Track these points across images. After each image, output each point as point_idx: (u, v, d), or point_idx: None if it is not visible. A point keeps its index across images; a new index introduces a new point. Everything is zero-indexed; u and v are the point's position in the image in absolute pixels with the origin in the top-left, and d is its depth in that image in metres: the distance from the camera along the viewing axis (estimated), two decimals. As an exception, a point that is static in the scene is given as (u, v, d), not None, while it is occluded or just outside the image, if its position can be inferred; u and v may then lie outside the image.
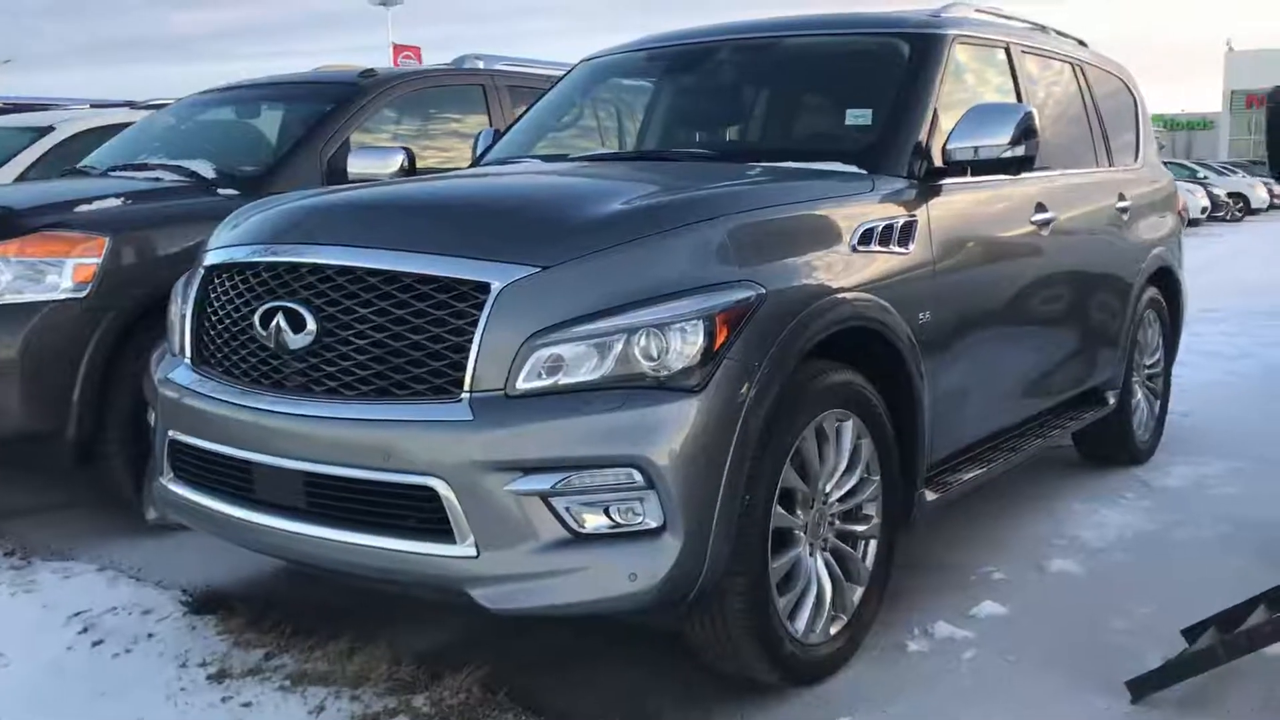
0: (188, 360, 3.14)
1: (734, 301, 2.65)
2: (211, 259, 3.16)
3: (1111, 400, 4.91)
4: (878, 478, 3.18)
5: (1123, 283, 4.90)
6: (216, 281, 3.09)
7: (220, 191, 4.70)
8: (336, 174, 4.93)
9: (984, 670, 3.09)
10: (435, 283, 2.65)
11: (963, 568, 3.85)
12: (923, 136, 3.54)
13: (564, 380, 2.57)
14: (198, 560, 4.03)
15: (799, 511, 2.93)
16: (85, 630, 3.44)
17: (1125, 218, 4.92)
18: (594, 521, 2.55)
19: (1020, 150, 3.46)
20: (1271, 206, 33.93)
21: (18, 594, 3.75)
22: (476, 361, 2.58)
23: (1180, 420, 6.05)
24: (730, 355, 2.61)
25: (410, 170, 4.71)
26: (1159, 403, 5.57)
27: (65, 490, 4.89)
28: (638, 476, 2.51)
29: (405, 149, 4.75)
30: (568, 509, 2.54)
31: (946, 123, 3.60)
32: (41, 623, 3.53)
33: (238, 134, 5.55)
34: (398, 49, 36.62)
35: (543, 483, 2.52)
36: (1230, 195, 31.23)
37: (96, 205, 4.33)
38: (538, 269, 2.61)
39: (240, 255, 3.05)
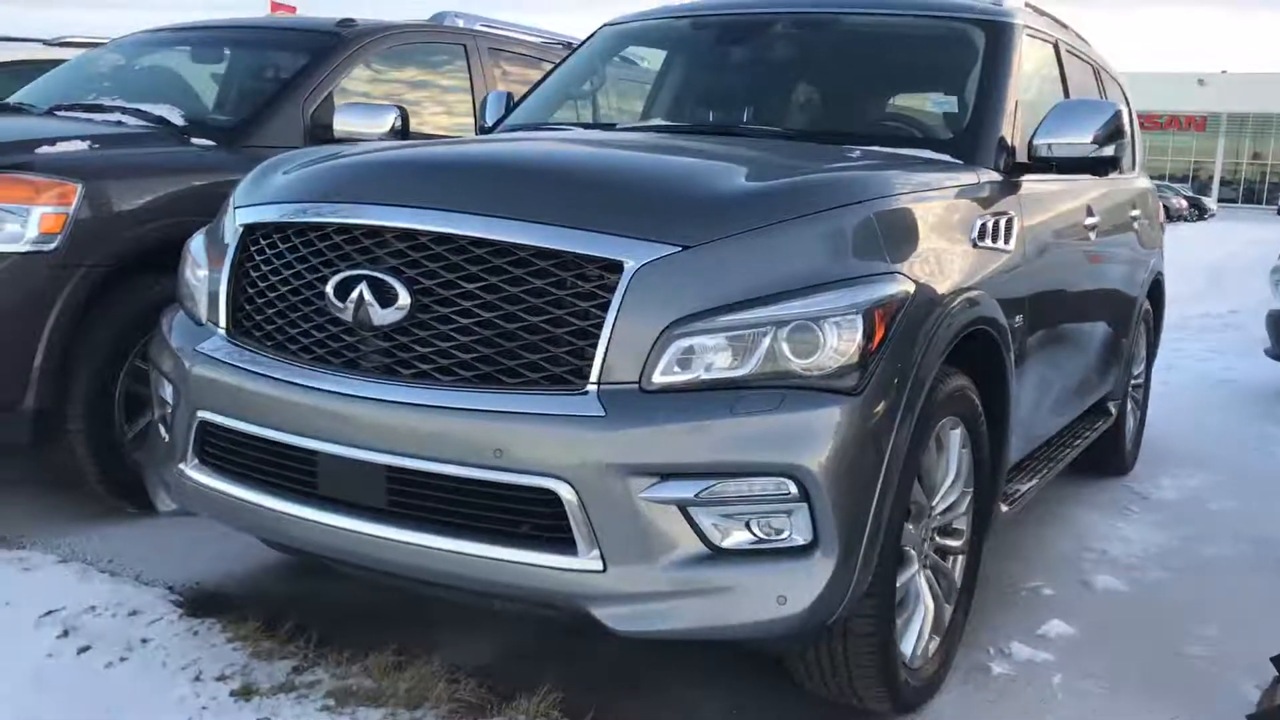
0: (222, 330, 2.72)
1: (889, 295, 2.39)
2: (249, 216, 2.75)
3: (1113, 410, 4.85)
4: (971, 490, 2.98)
5: (1132, 292, 4.85)
6: (263, 243, 2.68)
7: (194, 142, 4.21)
8: (320, 129, 4.50)
9: (1085, 698, 2.93)
10: (557, 258, 2.32)
11: (1008, 583, 3.69)
12: (1007, 129, 3.35)
13: (707, 375, 2.27)
14: (175, 552, 3.60)
15: (910, 525, 2.70)
16: (65, 634, 2.99)
17: (1137, 226, 4.87)
18: (736, 536, 2.27)
19: (1109, 150, 3.31)
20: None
21: (-31, 587, 3.26)
22: (608, 350, 2.26)
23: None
24: (887, 355, 2.36)
25: (403, 130, 4.32)
26: (1140, 412, 5.56)
27: (6, 468, 4.33)
28: (791, 488, 2.24)
29: (398, 107, 4.35)
30: (708, 521, 2.25)
31: (1020, 116, 3.43)
32: (6, 623, 3.06)
33: (201, 79, 5.02)
34: (274, 6, 35.10)
35: (683, 490, 2.23)
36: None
37: (61, 148, 3.80)
38: (678, 248, 2.31)
39: (290, 214, 2.65)
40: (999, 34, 3.58)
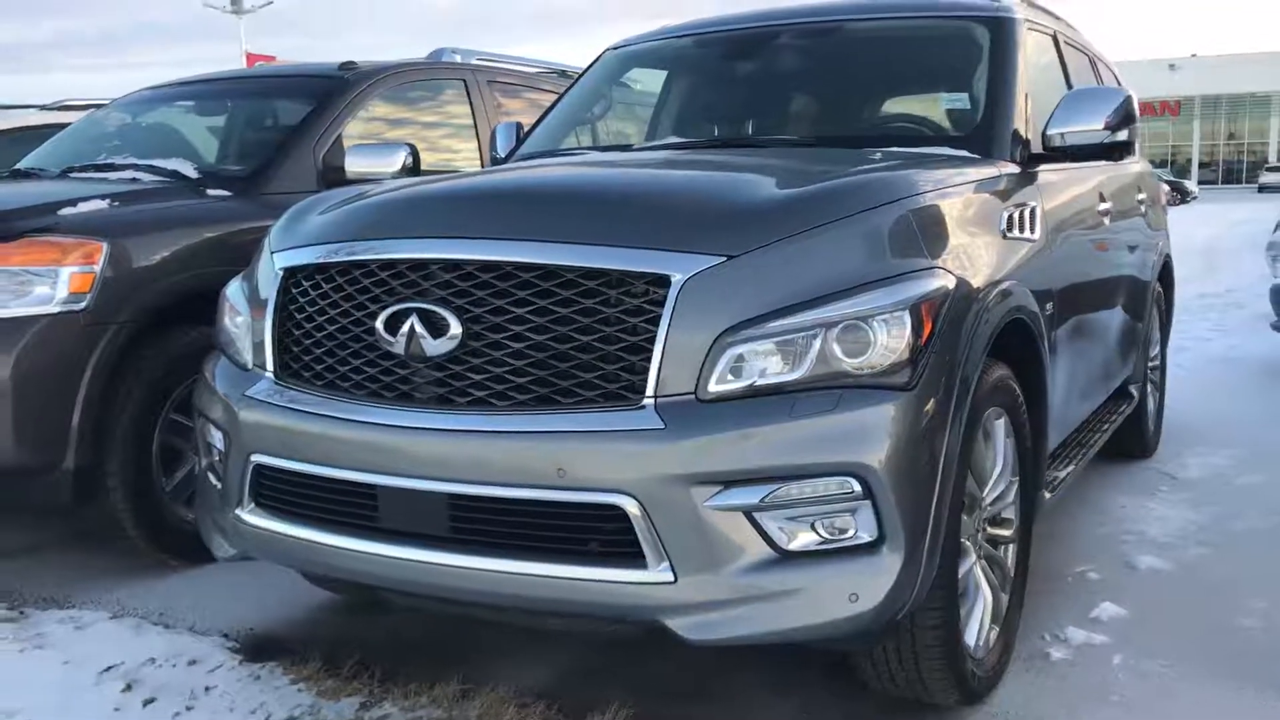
0: (270, 374, 2.75)
1: (933, 290, 2.43)
2: (288, 260, 2.78)
3: (1135, 394, 4.89)
4: (1016, 479, 3.00)
5: (1145, 276, 4.89)
6: (305, 284, 2.71)
7: (210, 193, 4.24)
8: (332, 172, 4.53)
9: (1147, 678, 2.95)
10: (604, 277, 2.35)
11: (1055, 570, 3.71)
12: (1020, 121, 3.40)
13: (761, 381, 2.30)
14: (222, 599, 3.61)
15: (964, 517, 2.73)
16: (129, 688, 3.00)
17: (1144, 209, 4.92)
18: (803, 538, 2.29)
19: (1123, 135, 3.35)
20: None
21: (27, 650, 3.26)
22: (661, 364, 2.29)
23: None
24: (936, 350, 2.39)
25: (415, 167, 4.37)
26: (1159, 394, 5.60)
27: (46, 528, 4.34)
28: (855, 486, 2.27)
29: (409, 145, 4.41)
30: (774, 525, 2.28)
31: (1030, 107, 3.48)
32: (69, 682, 3.06)
33: (208, 132, 5.06)
34: (252, 58, 35.38)
35: (749, 496, 2.25)
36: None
37: (82, 208, 3.83)
38: (723, 258, 2.34)
39: (330, 255, 2.68)
40: (1002, 29, 3.63)
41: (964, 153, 3.23)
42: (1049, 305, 3.17)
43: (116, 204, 3.94)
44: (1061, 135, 3.35)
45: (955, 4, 3.83)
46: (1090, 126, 3.34)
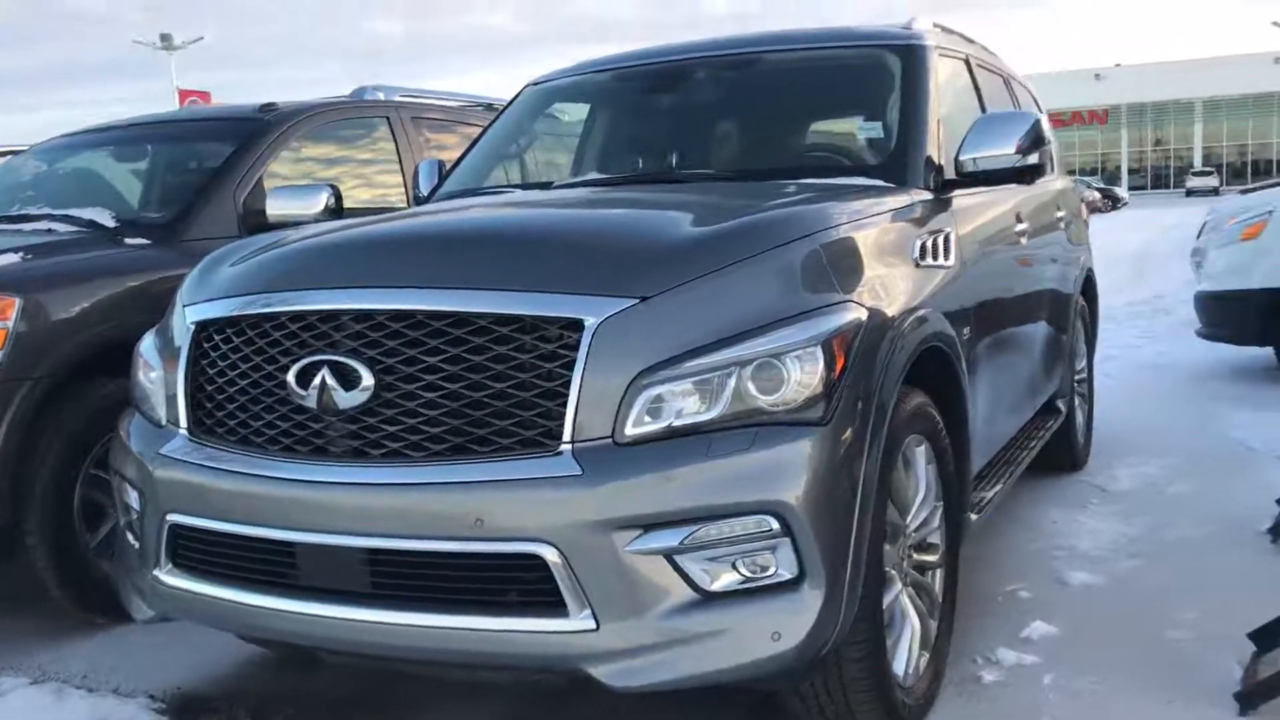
0: (184, 430, 2.70)
1: (845, 324, 2.44)
2: (199, 314, 2.74)
3: (1062, 408, 4.95)
4: (940, 504, 3.03)
5: (1067, 290, 4.97)
6: (216, 339, 2.67)
7: (128, 242, 4.17)
8: (254, 216, 4.48)
9: (1079, 695, 2.97)
10: (516, 323, 2.34)
11: (985, 590, 3.74)
12: (932, 148, 3.45)
13: (678, 422, 2.30)
14: (149, 659, 3.53)
15: (887, 546, 2.74)
16: (50, 758, 2.92)
17: (1063, 226, 5.00)
18: (724, 578, 2.29)
19: (1033, 159, 3.41)
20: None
21: (-58, 722, 3.17)
22: (577, 409, 2.29)
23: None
24: (849, 383, 2.40)
25: (337, 209, 4.33)
26: (1087, 406, 5.68)
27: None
28: (773, 524, 2.27)
29: (331, 186, 4.37)
30: (696, 566, 2.27)
31: (943, 133, 3.53)
32: (-13, 754, 2.98)
33: (127, 178, 4.98)
34: (184, 94, 35.02)
35: (669, 539, 2.25)
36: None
37: (-8, 261, 3.76)
38: (636, 300, 2.34)
39: (241, 308, 2.64)
40: (913, 57, 3.68)
41: (879, 182, 3.27)
42: (966, 329, 3.20)
43: (30, 257, 3.87)
44: (974, 160, 3.40)
45: (868, 33, 3.88)
46: (1001, 151, 3.39)
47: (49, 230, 4.27)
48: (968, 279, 3.32)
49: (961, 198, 3.50)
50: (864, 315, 2.52)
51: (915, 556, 2.92)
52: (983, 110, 4.17)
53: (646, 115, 4.06)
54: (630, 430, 2.29)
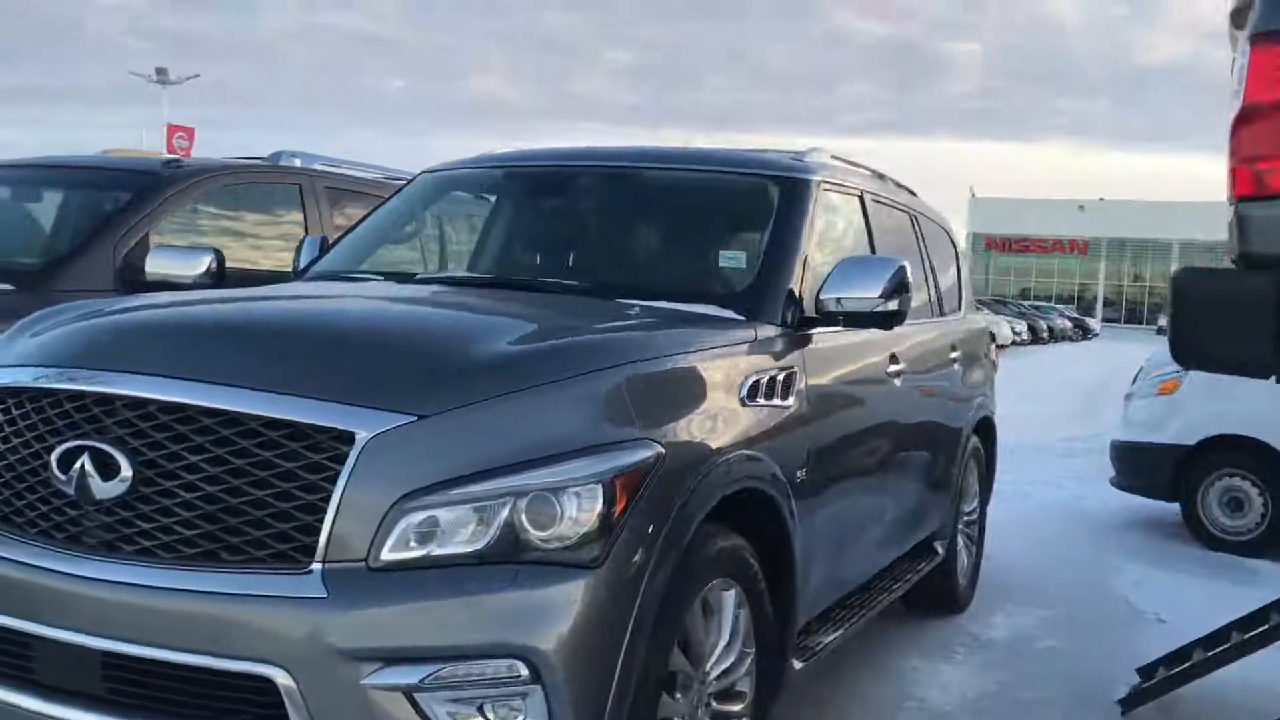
0: (-47, 502, 2.57)
1: (634, 463, 2.36)
2: (-8, 380, 2.63)
3: (940, 550, 4.87)
4: (752, 650, 2.92)
5: (954, 431, 4.92)
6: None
7: (-10, 285, 4.07)
8: (132, 272, 4.40)
9: None
10: (287, 428, 2.25)
11: (817, 738, 3.62)
12: (795, 284, 3.40)
13: (438, 551, 2.20)
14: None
15: (678, 695, 2.63)
16: None
17: (957, 367, 4.97)
18: (467, 722, 2.17)
19: (893, 305, 3.36)
20: (1013, 343, 36.63)
21: None
22: (334, 525, 2.19)
23: (983, 564, 6.12)
24: (629, 525, 2.31)
25: (219, 273, 4.24)
26: (975, 549, 5.60)
27: None
28: (523, 670, 2.16)
29: (214, 250, 4.27)
30: (436, 707, 2.16)
31: (813, 269, 3.49)
32: None
33: (12, 219, 4.90)
34: (172, 129, 35.08)
35: (409, 675, 2.14)
36: (980, 331, 33.40)
37: None
38: (413, 418, 2.25)
39: (30, 378, 2.54)
40: (792, 189, 3.66)
41: (729, 313, 3.21)
42: (802, 471, 3.12)
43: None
44: (835, 301, 3.35)
45: (755, 160, 3.86)
46: (864, 294, 3.34)
47: (-90, 268, 4.17)
48: (813, 419, 3.25)
49: (823, 336, 3.45)
50: (661, 453, 2.43)
51: (715, 706, 2.80)
52: (872, 249, 4.14)
53: (526, 217, 4.02)
54: (386, 555, 2.19)
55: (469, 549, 2.21)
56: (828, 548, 3.41)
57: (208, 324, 2.73)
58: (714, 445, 2.66)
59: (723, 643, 2.78)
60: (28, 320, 2.89)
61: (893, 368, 4.02)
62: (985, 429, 5.52)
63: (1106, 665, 4.49)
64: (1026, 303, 52.09)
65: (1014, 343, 36.67)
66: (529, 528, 2.23)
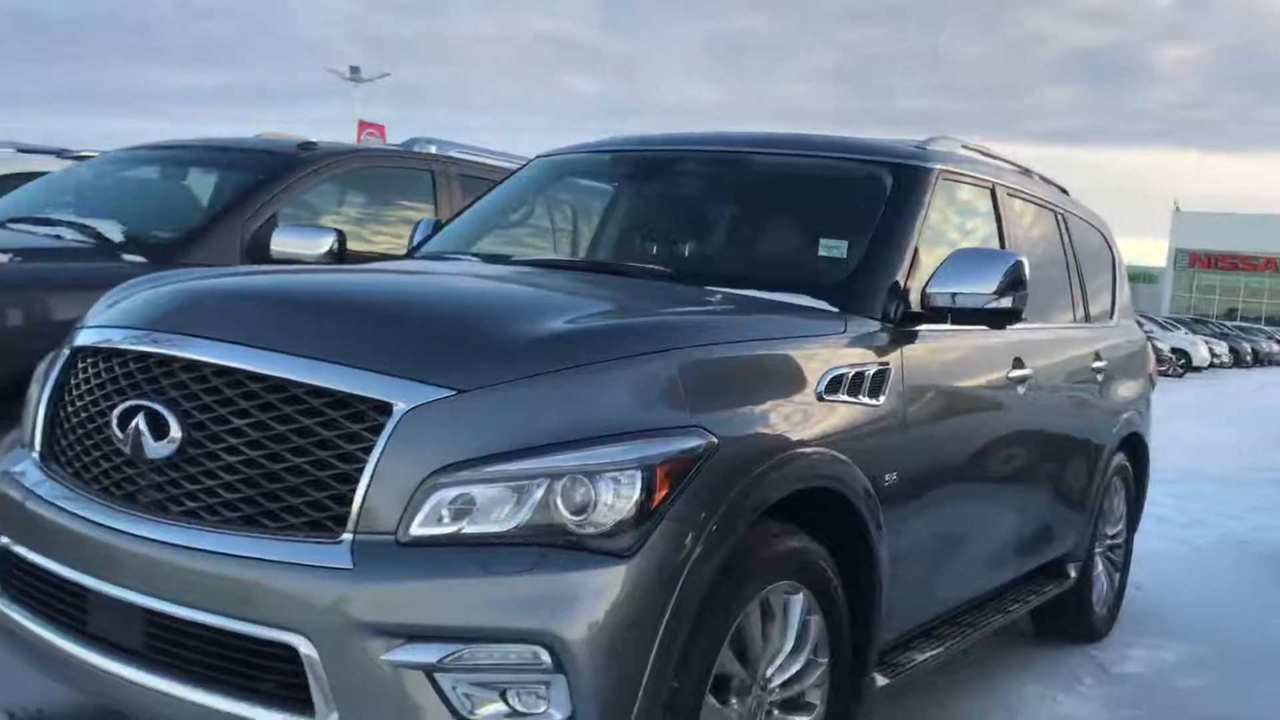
0: (36, 455, 2.66)
1: (679, 451, 2.24)
2: (81, 339, 2.71)
3: (1073, 574, 4.55)
4: (826, 660, 2.75)
5: (1094, 448, 4.58)
6: (82, 366, 2.63)
7: (125, 257, 4.24)
8: (259, 249, 4.50)
9: None
10: (328, 396, 2.22)
11: (908, 760, 3.41)
12: (901, 276, 3.20)
13: (469, 529, 2.13)
14: (18, 676, 3.46)
15: (733, 700, 2.48)
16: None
17: (1100, 378, 4.63)
18: (488, 708, 2.09)
19: (1007, 302, 3.13)
20: (1212, 365, 34.54)
21: None
22: (366, 496, 2.14)
23: (1133, 593, 5.70)
24: (670, 515, 2.19)
25: (340, 254, 4.30)
26: (1119, 575, 5.22)
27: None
28: (545, 657, 2.07)
29: (337, 231, 4.33)
30: (456, 689, 2.08)
31: (926, 262, 3.28)
32: None
33: (158, 196, 5.11)
34: (362, 125, 36.49)
35: (429, 654, 2.07)
36: (1174, 351, 31.67)
37: (-22, 261, 3.86)
38: (452, 392, 2.19)
39: (113, 339, 2.60)
40: (907, 177, 3.46)
41: (821, 304, 3.04)
42: (891, 476, 2.93)
43: (16, 259, 3.96)
44: (950, 296, 3.15)
45: (871, 147, 3.67)
46: (977, 289, 3.13)
47: (57, 236, 4.38)
48: (911, 421, 3.05)
49: (933, 335, 3.24)
50: (714, 442, 2.30)
51: (778, 715, 2.65)
52: (1002, 246, 3.89)
53: (627, 202, 3.93)
54: (416, 530, 2.13)
55: (500, 529, 2.13)
56: (924, 559, 3.20)
57: (267, 294, 2.74)
58: (779, 439, 2.51)
59: (786, 649, 2.62)
60: (119, 287, 2.96)
61: (1016, 373, 3.75)
62: (1134, 448, 5.13)
63: (1253, 713, 4.09)
64: (1231, 323, 49.00)
65: (1212, 365, 34.59)
66: (563, 511, 2.14)
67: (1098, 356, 4.63)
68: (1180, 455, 11.72)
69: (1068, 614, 4.75)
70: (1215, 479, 10.31)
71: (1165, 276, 67.27)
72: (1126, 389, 5.00)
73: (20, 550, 2.55)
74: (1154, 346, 24.45)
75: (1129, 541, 5.34)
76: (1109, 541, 5.07)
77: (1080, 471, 4.46)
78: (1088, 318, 4.77)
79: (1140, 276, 70.59)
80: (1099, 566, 4.93)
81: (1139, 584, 5.89)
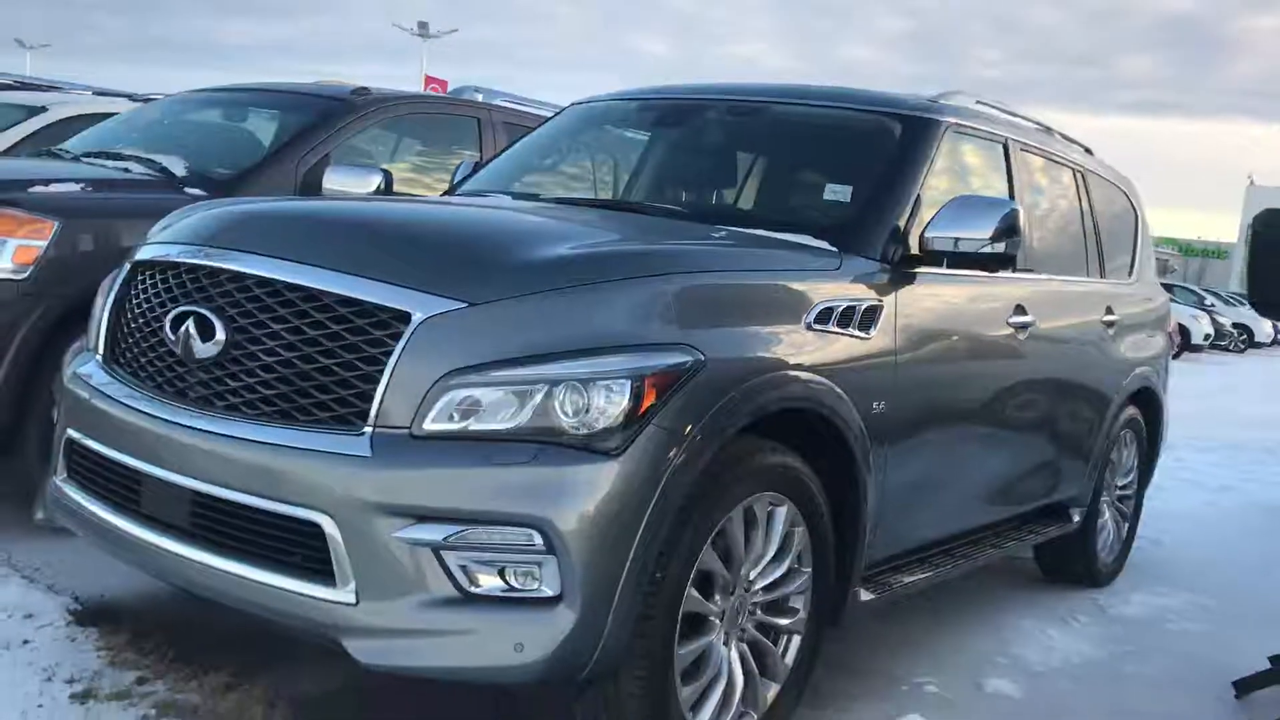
0: (100, 357, 2.97)
1: (667, 365, 2.48)
2: (141, 254, 3.02)
3: (1076, 518, 4.73)
4: (809, 570, 2.99)
5: (1101, 398, 4.74)
6: (141, 278, 2.93)
7: (187, 190, 4.55)
8: (311, 188, 4.80)
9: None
10: (355, 306, 2.49)
11: (895, 676, 3.64)
12: (901, 221, 3.40)
13: (475, 426, 2.40)
14: (97, 566, 3.81)
15: (717, 597, 2.74)
16: (-44, 628, 3.24)
17: (1111, 332, 4.77)
18: (488, 582, 2.37)
19: (1000, 247, 3.32)
20: (1275, 341, 33.97)
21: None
22: (385, 394, 2.41)
23: (1150, 547, 5.87)
24: (656, 421, 2.44)
25: (387, 193, 4.58)
26: (1127, 525, 5.38)
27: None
28: (538, 539, 2.34)
29: (384, 171, 4.61)
30: (460, 565, 2.36)
31: (930, 212, 3.47)
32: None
33: (219, 135, 5.42)
34: (428, 80, 36.96)
35: (435, 533, 2.35)
36: (1235, 326, 31.20)
37: (54, 188, 4.19)
38: (464, 304, 2.45)
39: (169, 254, 2.90)
40: (915, 128, 3.64)
41: (821, 243, 3.25)
42: (879, 405, 3.14)
43: (88, 189, 4.28)
44: (948, 240, 3.34)
45: (884, 99, 3.85)
46: (971, 233, 3.32)
47: (125, 169, 4.69)
48: (902, 354, 3.25)
49: (932, 277, 3.43)
50: (701, 359, 2.54)
51: (762, 615, 2.90)
52: (1011, 198, 4.05)
53: (652, 147, 4.16)
54: (428, 425, 2.40)
55: (503, 427, 2.39)
56: (911, 486, 3.41)
57: (305, 217, 3.01)
58: (765, 361, 2.74)
59: (769, 555, 2.87)
60: (179, 210, 3.25)
61: (1017, 318, 3.93)
62: (1147, 403, 5.27)
63: (1235, 657, 4.25)
64: (1297, 301, 47.81)
65: (1276, 341, 34.05)
66: (559, 413, 2.39)
67: (1109, 311, 4.78)
68: (1226, 427, 11.75)
69: (1072, 557, 4.94)
70: (1261, 449, 10.33)
71: (1235, 252, 65.75)
72: (1140, 345, 5.14)
73: (87, 441, 2.87)
74: (1215, 320, 24.01)
75: (1140, 494, 5.49)
76: (1119, 491, 5.23)
77: (1084, 420, 4.62)
78: (1103, 273, 4.90)
79: (1211, 252, 69.18)
80: (1105, 515, 5.10)
81: (1157, 539, 6.04)
